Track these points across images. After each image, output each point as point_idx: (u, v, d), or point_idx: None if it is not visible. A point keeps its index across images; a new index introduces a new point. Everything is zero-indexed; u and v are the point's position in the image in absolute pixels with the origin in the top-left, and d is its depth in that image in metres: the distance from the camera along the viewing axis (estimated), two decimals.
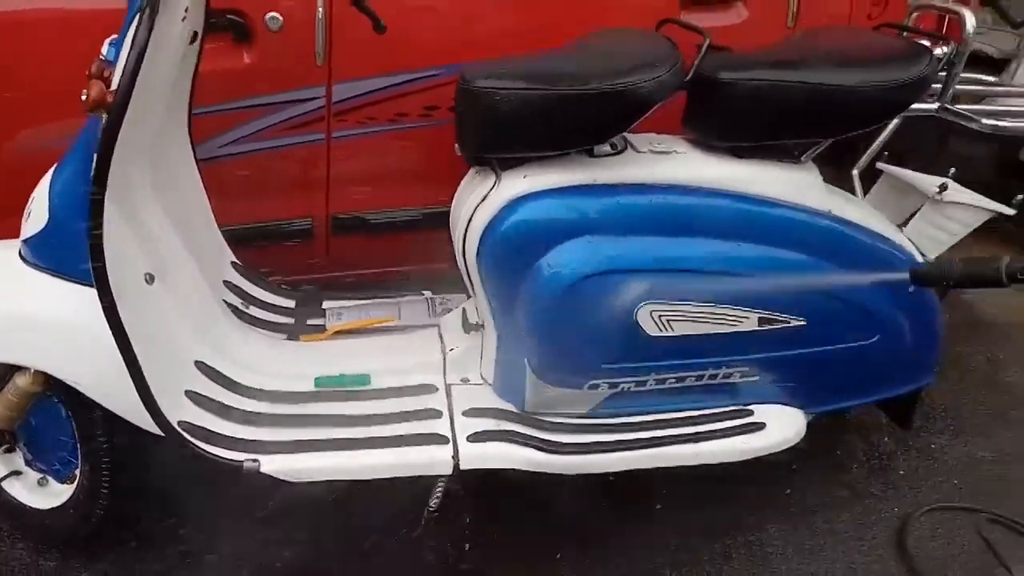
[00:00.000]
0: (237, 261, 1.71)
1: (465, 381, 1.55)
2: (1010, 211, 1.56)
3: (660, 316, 1.38)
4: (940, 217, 1.56)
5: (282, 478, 1.31)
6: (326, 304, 1.70)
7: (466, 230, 1.39)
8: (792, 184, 1.44)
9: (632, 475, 1.75)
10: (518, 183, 1.34)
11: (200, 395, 1.34)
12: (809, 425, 1.84)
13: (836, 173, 1.86)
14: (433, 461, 1.37)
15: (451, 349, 1.57)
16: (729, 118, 1.39)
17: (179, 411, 1.29)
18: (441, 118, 1.70)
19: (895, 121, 1.81)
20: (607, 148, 1.40)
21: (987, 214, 1.57)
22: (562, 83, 1.25)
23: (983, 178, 2.76)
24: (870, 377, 1.61)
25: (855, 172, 1.83)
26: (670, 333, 1.40)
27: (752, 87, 1.33)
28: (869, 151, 1.84)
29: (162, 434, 1.27)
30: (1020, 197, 1.55)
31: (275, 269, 1.81)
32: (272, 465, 1.30)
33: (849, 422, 2.12)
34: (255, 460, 1.29)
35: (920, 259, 1.58)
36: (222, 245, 1.67)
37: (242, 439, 1.32)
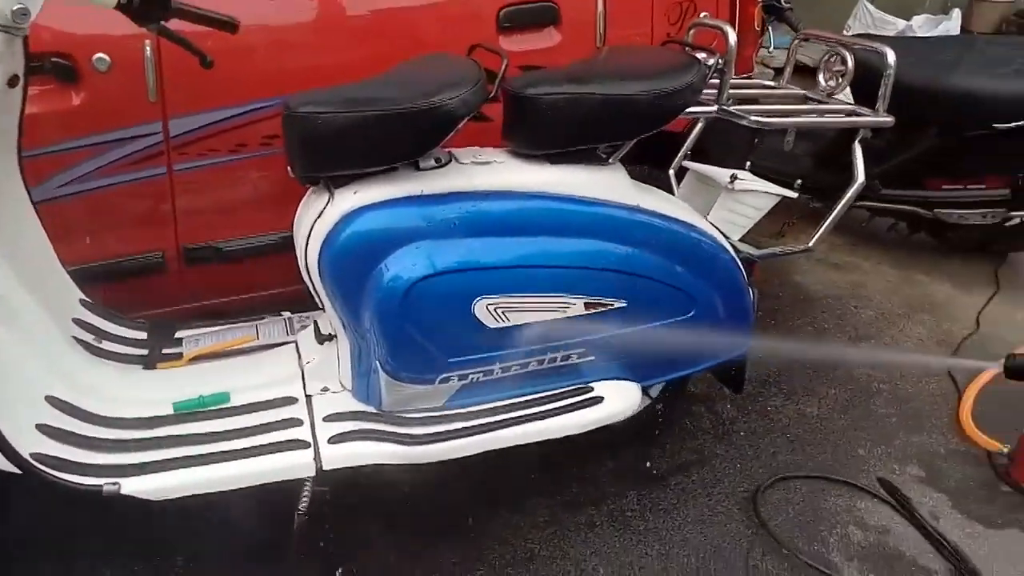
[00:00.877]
0: (86, 299, 1.73)
1: (325, 390, 1.64)
2: (793, 194, 1.82)
3: (496, 308, 1.52)
4: (735, 203, 1.79)
5: (144, 498, 1.35)
6: (180, 333, 1.73)
7: (306, 246, 1.49)
8: (602, 183, 1.62)
9: (498, 466, 1.89)
10: (349, 198, 1.45)
11: (53, 428, 1.36)
12: (658, 400, 2.07)
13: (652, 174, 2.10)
14: (296, 465, 1.44)
15: (308, 362, 1.65)
16: (536, 129, 1.56)
17: (31, 445, 1.31)
18: (280, 146, 1.78)
19: (699, 125, 2.06)
20: (432, 162, 1.53)
21: (774, 198, 1.81)
22: (376, 105, 1.37)
23: (803, 171, 3.18)
24: (692, 349, 1.80)
25: (671, 172, 2.05)
26: (507, 324, 1.55)
27: (551, 100, 1.50)
28: (680, 153, 2.06)
29: (16, 470, 1.29)
30: (799, 182, 1.80)
31: (132, 305, 1.83)
32: (133, 486, 1.34)
33: (696, 395, 2.34)
34: (115, 483, 1.32)
35: (725, 242, 1.80)
36: (68, 284, 1.68)
37: (100, 464, 1.35)
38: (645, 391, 2.03)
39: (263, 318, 1.85)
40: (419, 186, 1.49)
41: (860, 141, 1.72)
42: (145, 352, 1.67)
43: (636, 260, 1.64)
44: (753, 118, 1.59)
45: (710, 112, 1.65)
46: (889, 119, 1.70)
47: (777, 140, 3.35)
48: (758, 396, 2.38)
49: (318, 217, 1.47)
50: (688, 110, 1.62)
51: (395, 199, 1.47)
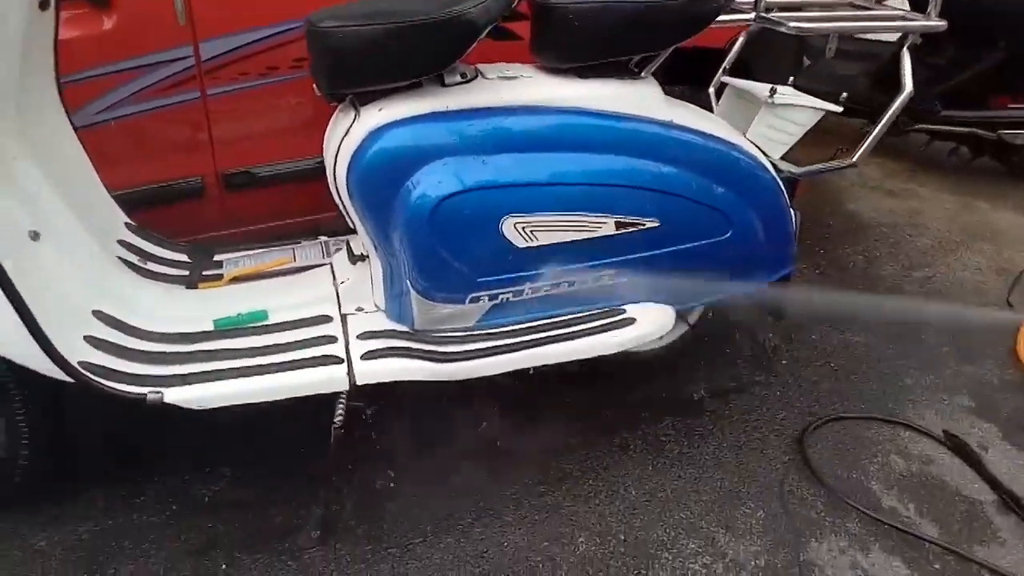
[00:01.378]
0: (131, 223, 1.78)
1: (360, 310, 1.66)
2: (837, 108, 1.72)
3: (524, 227, 1.51)
4: (775, 119, 1.71)
5: (186, 407, 1.40)
6: (220, 255, 1.78)
7: (335, 165, 1.49)
8: (633, 97, 1.57)
9: (534, 390, 1.91)
10: (375, 115, 1.44)
11: (99, 339, 1.42)
12: (697, 326, 2.04)
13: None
14: (330, 379, 1.48)
15: (342, 282, 1.68)
16: (563, 40, 1.50)
17: (79, 354, 1.37)
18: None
19: (740, 39, 1.96)
20: (458, 77, 1.50)
21: (818, 113, 1.72)
22: (397, 17, 1.34)
23: (858, 92, 3.01)
24: (730, 271, 1.76)
25: (711, 89, 1.97)
26: (536, 243, 1.53)
27: (578, 9, 1.45)
28: (721, 69, 1.98)
29: (66, 378, 1.36)
30: (845, 95, 1.70)
31: (174, 229, 1.88)
32: (175, 395, 1.39)
33: (738, 322, 2.30)
34: (158, 392, 1.38)
35: (765, 160, 1.73)
36: (113, 207, 1.73)
37: (144, 375, 1.41)
38: (682, 316, 2.02)
39: (300, 242, 1.88)
40: (445, 102, 1.47)
41: (911, 49, 1.61)
42: (187, 273, 1.72)
43: (669, 178, 1.60)
44: (792, 24, 1.50)
45: (747, 20, 1.57)
46: (941, 23, 1.58)
47: (829, 61, 3.22)
48: (801, 326, 2.32)
49: (345, 135, 1.47)
50: (722, 17, 1.54)
51: (421, 115, 1.45)
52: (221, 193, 1.95)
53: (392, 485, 1.73)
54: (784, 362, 2.16)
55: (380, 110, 1.45)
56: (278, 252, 1.81)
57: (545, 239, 1.53)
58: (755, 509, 1.69)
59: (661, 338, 1.98)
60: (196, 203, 1.93)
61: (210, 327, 1.57)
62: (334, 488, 1.70)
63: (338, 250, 1.78)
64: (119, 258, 1.65)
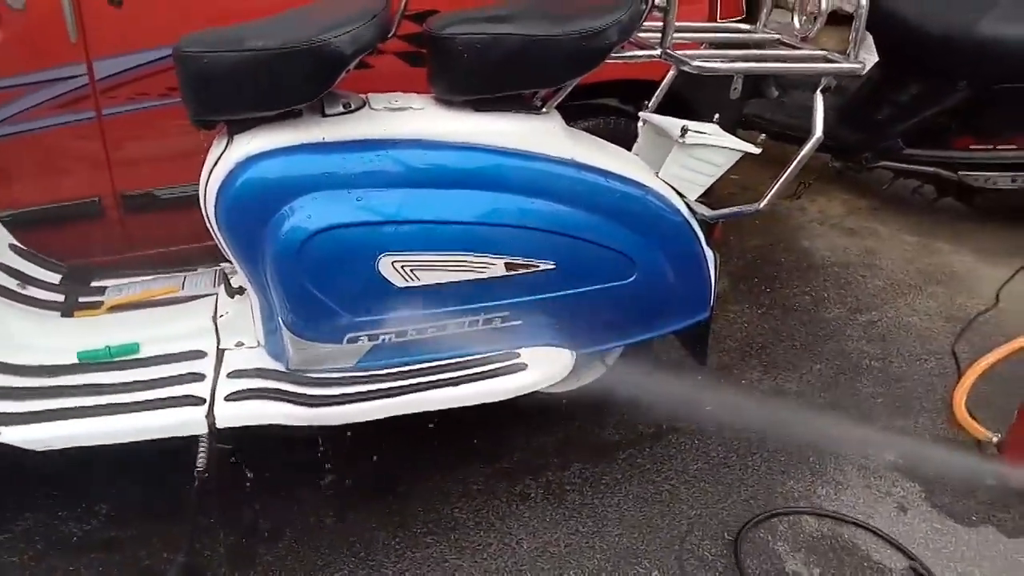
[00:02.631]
0: (18, 244, 1.71)
1: (240, 345, 1.58)
2: (756, 150, 1.64)
3: (403, 266, 1.43)
4: (689, 159, 1.62)
5: (25, 447, 1.33)
6: (105, 281, 1.70)
7: (205, 194, 1.41)
8: (530, 133, 1.49)
9: (439, 429, 1.82)
10: (245, 145, 1.36)
11: None
12: (617, 368, 1.96)
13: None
14: (186, 422, 1.40)
15: (222, 315, 1.60)
16: (454, 73, 1.43)
17: None
18: None
19: (670, 75, 1.88)
20: (339, 108, 1.43)
21: (735, 153, 1.64)
22: (263, 43, 1.27)
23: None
24: (637, 315, 1.68)
25: (639, 124, 1.89)
26: (417, 283, 1.45)
27: (467, 40, 1.37)
28: (651, 103, 1.89)
29: None
30: (763, 137, 1.62)
31: (69, 252, 1.81)
32: (13, 435, 1.32)
33: (663, 363, 2.21)
34: None
35: (677, 200, 1.65)
36: None
37: None
38: (600, 358, 1.93)
39: (196, 269, 1.80)
40: (321, 133, 1.39)
41: (824, 91, 1.52)
42: (64, 299, 1.65)
43: (567, 219, 1.51)
44: (695, 63, 1.42)
45: (650, 56, 1.49)
46: (856, 65, 1.50)
47: (798, 94, 3.14)
48: (733, 368, 2.24)
49: (215, 164, 1.39)
50: (625, 53, 1.46)
51: (293, 146, 1.37)
52: (120, 215, 1.87)
53: (267, 529, 1.64)
54: (708, 408, 2.06)
55: (251, 140, 1.38)
56: (166, 280, 1.73)
57: (427, 279, 1.45)
58: (650, 569, 1.59)
59: (578, 379, 1.94)
60: (93, 225, 1.86)
61: (74, 359, 1.50)
62: (209, 532, 1.62)
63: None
64: None
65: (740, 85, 1.82)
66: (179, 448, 1.44)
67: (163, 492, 1.66)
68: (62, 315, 1.62)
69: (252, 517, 1.67)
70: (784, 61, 1.57)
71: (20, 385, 1.41)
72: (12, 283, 1.64)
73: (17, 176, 1.76)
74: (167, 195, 1.89)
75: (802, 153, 1.55)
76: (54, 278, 1.69)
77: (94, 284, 1.69)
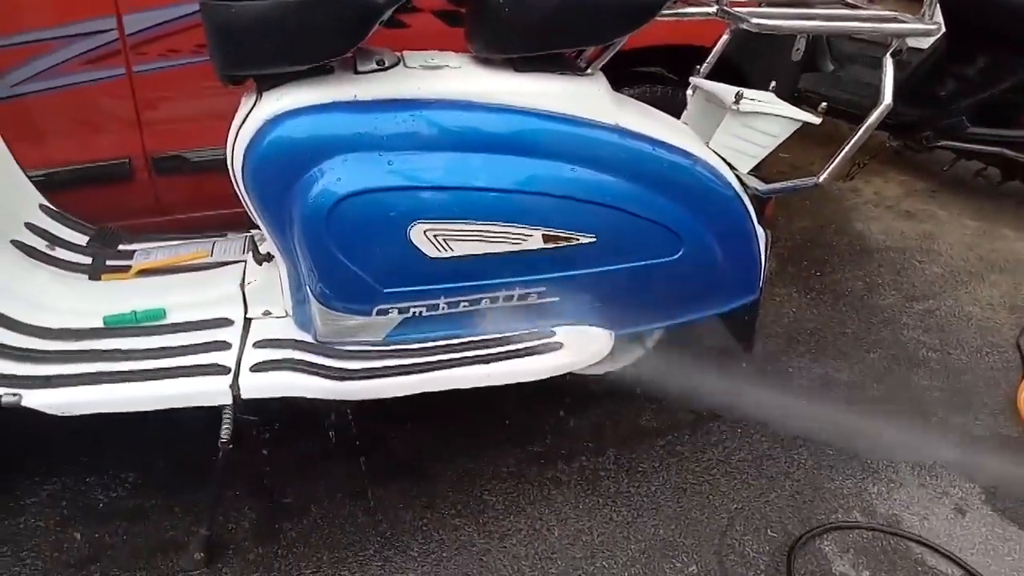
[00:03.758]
0: (48, 204, 1.68)
1: (267, 314, 1.53)
2: (816, 119, 1.52)
3: (435, 236, 1.35)
4: (743, 128, 1.52)
5: (46, 411, 1.29)
6: (134, 245, 1.66)
7: (232, 153, 1.35)
8: (574, 96, 1.40)
9: (471, 407, 1.76)
10: (274, 102, 1.29)
11: None
12: (659, 349, 1.86)
13: None
14: (211, 391, 1.35)
15: (249, 283, 1.54)
16: (495, 28, 1.34)
17: None
18: None
19: (724, 38, 1.76)
20: (373, 64, 1.35)
21: (793, 123, 1.52)
22: None
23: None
24: (681, 295, 1.58)
25: (688, 92, 1.78)
26: (450, 254, 1.37)
27: None
28: (702, 69, 1.78)
29: None
30: (824, 105, 1.51)
31: (98, 214, 1.77)
32: (36, 399, 1.28)
33: (709, 347, 2.11)
34: (16, 394, 1.27)
35: (728, 172, 1.55)
36: (25, 187, 1.63)
37: (6, 375, 1.30)
38: (640, 340, 1.84)
39: (225, 234, 1.75)
40: (352, 90, 1.31)
41: (894, 55, 1.40)
42: (92, 262, 1.61)
43: (611, 189, 1.42)
44: (755, 21, 1.31)
45: (706, 13, 1.38)
46: (932, 26, 1.37)
47: (860, 69, 2.97)
48: (781, 354, 2.13)
49: (243, 122, 1.33)
50: (679, 10, 1.36)
51: (324, 104, 1.30)
52: (150, 177, 1.83)
53: (293, 504, 1.60)
54: (752, 396, 1.96)
55: (280, 97, 1.30)
56: (196, 245, 1.68)
57: (460, 250, 1.37)
58: (687, 563, 1.51)
59: (615, 361, 1.85)
60: (123, 187, 1.82)
61: (99, 323, 1.46)
62: (234, 504, 1.59)
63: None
64: (16, 242, 1.54)
65: (803, 47, 1.69)
66: (210, 416, 1.40)
67: (191, 461, 1.63)
68: (89, 278, 1.58)
69: (278, 491, 1.63)
70: (852, 21, 1.45)
71: (44, 348, 1.38)
72: (41, 244, 1.60)
73: (48, 134, 1.73)
74: (198, 158, 1.84)
75: (868, 122, 1.43)
76: (82, 240, 1.66)
77: (122, 247, 1.65)
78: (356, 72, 1.35)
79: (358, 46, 1.37)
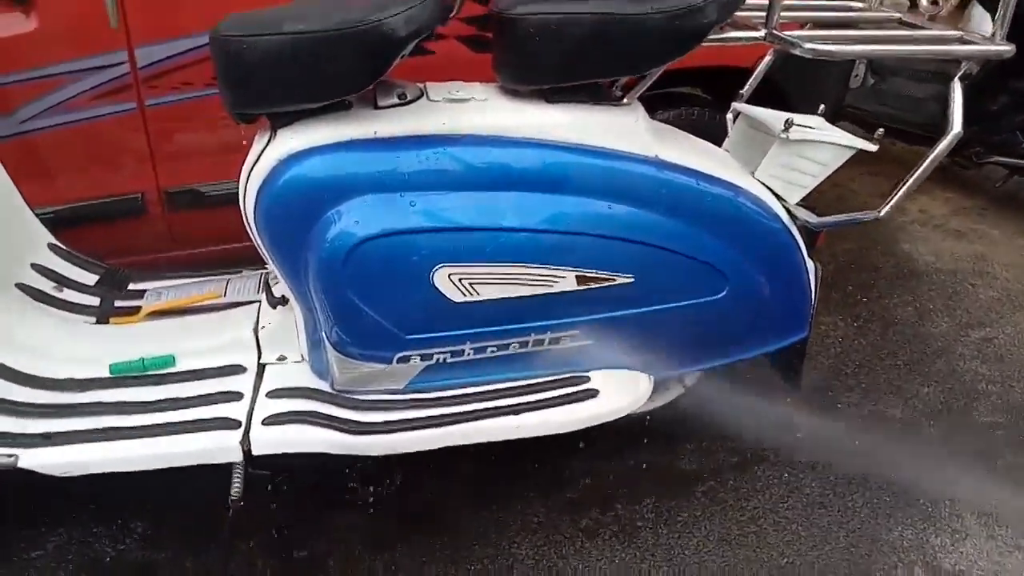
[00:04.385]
0: (57, 243, 1.62)
1: (283, 359, 1.45)
2: (872, 147, 1.40)
3: (460, 279, 1.26)
4: (792, 157, 1.40)
5: (45, 472, 1.22)
6: (144, 284, 1.59)
7: (244, 193, 1.27)
8: (609, 127, 1.30)
9: (495, 452, 1.65)
10: (289, 140, 1.21)
11: None
12: (696, 389, 1.75)
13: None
14: (220, 448, 1.27)
15: (263, 326, 1.46)
16: (525, 58, 1.24)
17: None
18: None
19: (766, 59, 1.65)
20: (394, 99, 1.26)
21: (847, 151, 1.41)
22: (306, 26, 1.11)
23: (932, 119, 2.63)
24: (724, 335, 1.47)
25: (728, 116, 1.67)
26: (476, 298, 1.28)
27: (540, 20, 1.18)
28: (744, 93, 1.67)
29: None
30: (881, 131, 1.39)
31: (110, 252, 1.70)
32: (32, 459, 1.20)
33: (747, 382, 1.98)
34: (12, 455, 1.19)
35: (775, 204, 1.43)
36: (33, 226, 1.57)
37: (3, 432, 1.23)
38: (679, 377, 1.73)
39: (240, 271, 1.67)
40: (372, 127, 1.23)
41: (963, 79, 1.28)
42: (101, 304, 1.54)
43: (649, 226, 1.32)
44: (808, 46, 1.20)
45: (754, 38, 1.28)
46: (1008, 48, 1.25)
47: (899, 81, 2.84)
48: (828, 390, 1.99)
49: (256, 160, 1.24)
50: (725, 35, 1.25)
51: (342, 142, 1.21)
52: (163, 213, 1.76)
53: (308, 558, 1.50)
54: (799, 435, 1.83)
55: (295, 135, 1.22)
56: (209, 284, 1.61)
57: (487, 293, 1.28)
58: None
59: (651, 400, 1.74)
60: (135, 223, 1.75)
61: (106, 373, 1.38)
62: (247, 558, 1.50)
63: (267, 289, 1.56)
64: (22, 285, 1.47)
65: (863, 72, 1.57)
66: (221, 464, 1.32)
67: (206, 509, 1.54)
68: (97, 321, 1.51)
69: (293, 544, 1.54)
70: (913, 43, 1.33)
71: (45, 401, 1.30)
72: (48, 286, 1.53)
73: (57, 171, 1.67)
74: (212, 192, 1.77)
75: (936, 150, 1.31)
76: (91, 279, 1.59)
77: (132, 287, 1.58)
78: (376, 107, 1.26)
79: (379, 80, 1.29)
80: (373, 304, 1.26)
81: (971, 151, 2.66)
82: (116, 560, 1.51)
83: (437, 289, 1.25)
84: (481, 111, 1.28)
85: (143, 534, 1.56)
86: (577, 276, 1.30)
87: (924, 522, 1.60)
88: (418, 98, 1.29)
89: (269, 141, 1.25)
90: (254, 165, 1.25)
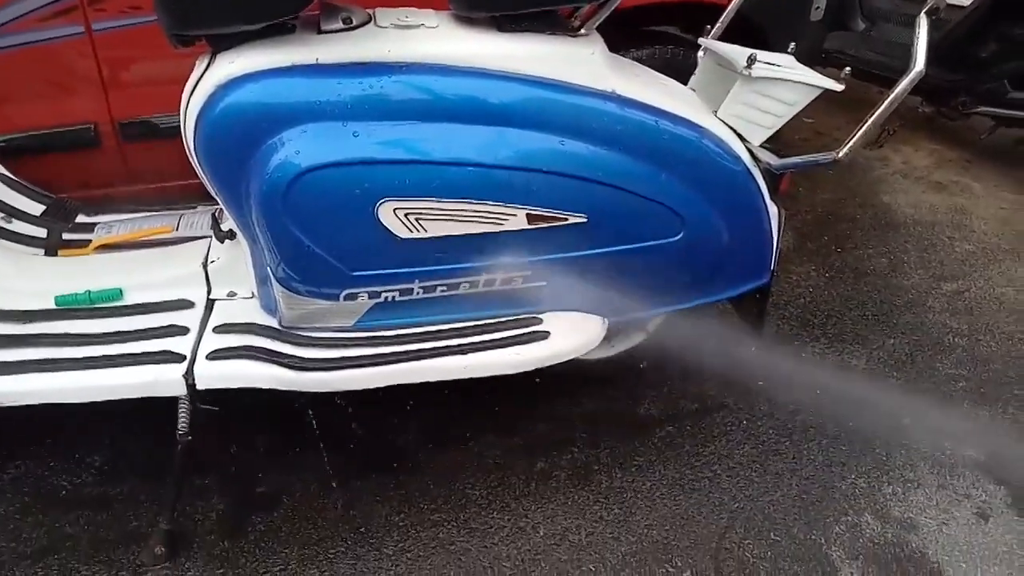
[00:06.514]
0: (7, 174, 1.58)
1: (233, 295, 1.43)
2: (838, 87, 1.36)
3: (406, 215, 1.23)
4: (755, 96, 1.36)
5: None
6: (95, 217, 1.56)
7: (184, 121, 1.23)
8: (564, 59, 1.25)
9: (458, 392, 1.65)
10: (228, 65, 1.16)
11: None
12: (658, 335, 1.74)
13: None
14: (163, 381, 1.26)
15: (212, 261, 1.43)
16: None
17: None
18: None
19: None
20: (338, 23, 1.21)
21: (812, 91, 1.36)
22: None
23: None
24: (683, 279, 1.45)
25: (700, 54, 1.61)
26: (423, 234, 1.25)
27: None
28: (713, 29, 1.62)
29: None
30: (848, 70, 1.34)
31: (65, 184, 1.66)
32: None
33: (710, 328, 1.97)
34: None
35: (738, 145, 1.39)
36: None
37: None
38: (643, 325, 1.72)
39: (194, 207, 1.64)
40: (315, 53, 1.18)
41: (929, 14, 1.22)
42: (48, 236, 1.51)
43: (604, 164, 1.28)
44: None
45: None
46: None
47: (893, 28, 2.75)
48: (794, 338, 1.99)
49: (195, 86, 1.20)
50: None
51: (282, 67, 1.16)
52: (118, 145, 1.71)
53: (264, 495, 1.51)
54: (761, 382, 1.83)
55: (235, 59, 1.17)
56: (161, 219, 1.57)
57: (435, 230, 1.25)
58: (681, 568, 1.40)
59: (612, 345, 1.73)
60: (89, 154, 1.71)
61: (51, 304, 1.36)
62: (202, 494, 1.50)
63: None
64: None
65: (823, 5, 1.51)
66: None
67: (164, 442, 1.53)
68: (45, 253, 1.48)
69: (250, 480, 1.54)
70: None
71: None
72: None
73: (6, 98, 1.61)
74: (168, 124, 1.72)
75: (896, 91, 1.26)
76: (38, 209, 1.55)
77: (82, 220, 1.55)
78: (320, 31, 1.21)
79: (324, 2, 1.24)
80: (316, 238, 1.23)
81: (957, 101, 2.61)
82: (72, 493, 1.52)
83: (382, 224, 1.22)
84: (429, 39, 1.23)
85: (100, 468, 1.57)
86: (528, 214, 1.27)
87: (878, 471, 1.61)
88: (365, 23, 1.24)
89: (208, 66, 1.20)
90: (193, 91, 1.21)
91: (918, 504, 1.54)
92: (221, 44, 1.20)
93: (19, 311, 1.34)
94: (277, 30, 1.19)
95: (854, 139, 1.31)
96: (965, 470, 1.61)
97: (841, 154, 1.33)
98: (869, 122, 1.29)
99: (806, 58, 1.57)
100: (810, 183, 2.62)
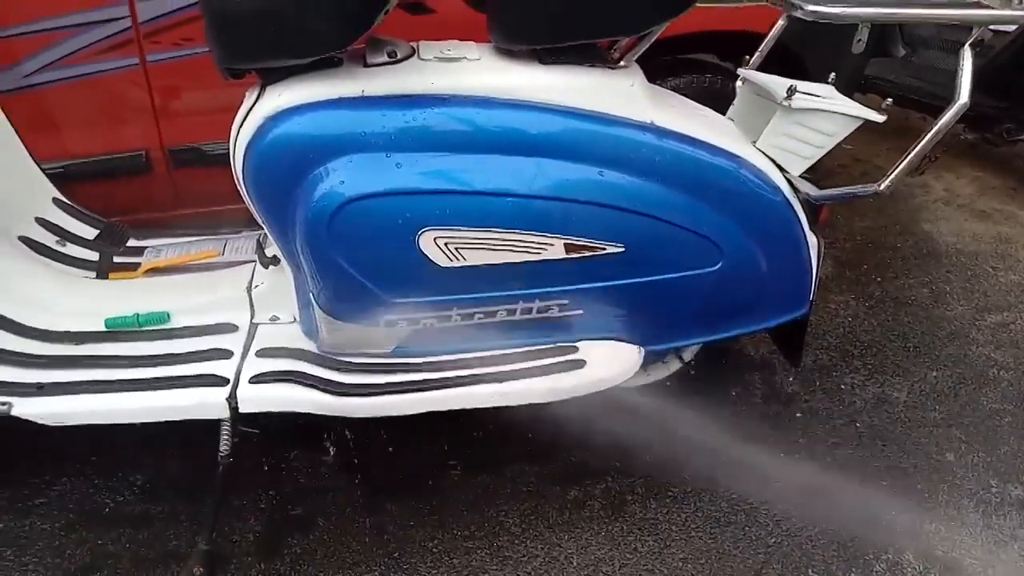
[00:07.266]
0: (62, 198, 1.64)
1: (275, 319, 1.46)
2: (880, 117, 1.35)
3: (447, 243, 1.25)
4: (795, 126, 1.36)
5: (37, 422, 1.24)
6: (144, 241, 1.61)
7: (234, 151, 1.27)
8: (604, 91, 1.26)
9: (490, 420, 1.66)
10: (277, 97, 1.20)
11: None
12: (702, 363, 1.72)
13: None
14: (207, 403, 1.28)
15: (256, 286, 1.47)
16: (518, 15, 1.21)
17: None
18: None
19: (778, 24, 1.60)
20: (383, 56, 1.24)
21: (853, 121, 1.35)
22: None
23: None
24: (718, 310, 1.44)
25: (738, 83, 1.62)
26: (462, 263, 1.27)
27: None
28: (753, 60, 1.62)
29: None
30: (889, 101, 1.33)
31: (116, 209, 1.72)
32: (26, 408, 1.23)
33: (754, 360, 1.96)
34: (5, 403, 1.22)
35: (777, 175, 1.39)
36: (38, 180, 1.59)
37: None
38: (677, 352, 1.71)
39: (239, 232, 1.68)
40: (360, 85, 1.21)
41: (974, 46, 1.21)
42: (100, 259, 1.56)
43: (642, 195, 1.29)
44: (810, 8, 1.15)
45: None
46: (1021, 13, 1.19)
47: (935, 54, 2.73)
48: (832, 370, 1.96)
49: (245, 117, 1.24)
50: None
51: (329, 100, 1.20)
52: (168, 171, 1.77)
53: (299, 518, 1.52)
54: (799, 414, 1.81)
55: (283, 92, 1.21)
56: (208, 243, 1.62)
57: (474, 259, 1.26)
58: None
59: (647, 374, 1.72)
60: (140, 180, 1.77)
61: (101, 326, 1.40)
62: (239, 515, 1.52)
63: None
64: (25, 238, 1.50)
65: (865, 37, 1.51)
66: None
67: (205, 462, 1.56)
68: (96, 276, 1.54)
69: (286, 502, 1.56)
70: (922, 6, 1.27)
71: (42, 352, 1.33)
72: (50, 239, 1.56)
73: (63, 126, 1.68)
74: (216, 151, 1.77)
75: (940, 123, 1.25)
76: (91, 233, 1.61)
77: (132, 244, 1.60)
78: (366, 65, 1.24)
79: (370, 36, 1.27)
80: (358, 266, 1.25)
81: (1002, 128, 2.57)
82: (114, 510, 1.55)
83: (423, 253, 1.24)
84: (471, 71, 1.25)
85: (142, 486, 1.60)
86: (566, 244, 1.28)
87: (920, 508, 1.57)
88: (409, 56, 1.27)
89: (258, 98, 1.24)
90: (243, 122, 1.25)
91: (963, 544, 1.50)
92: (271, 77, 1.24)
93: (71, 332, 1.39)
94: (325, 63, 1.23)
95: (896, 171, 1.30)
96: (1011, 509, 1.57)
97: (883, 186, 1.32)
98: (912, 154, 1.28)
99: (846, 86, 1.57)
100: (849, 211, 2.59)
